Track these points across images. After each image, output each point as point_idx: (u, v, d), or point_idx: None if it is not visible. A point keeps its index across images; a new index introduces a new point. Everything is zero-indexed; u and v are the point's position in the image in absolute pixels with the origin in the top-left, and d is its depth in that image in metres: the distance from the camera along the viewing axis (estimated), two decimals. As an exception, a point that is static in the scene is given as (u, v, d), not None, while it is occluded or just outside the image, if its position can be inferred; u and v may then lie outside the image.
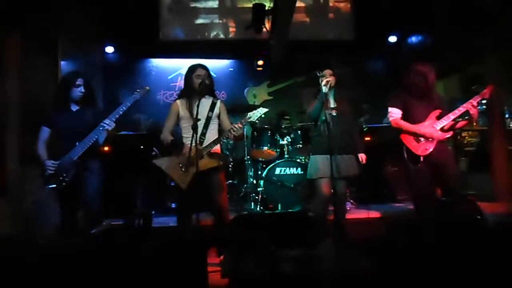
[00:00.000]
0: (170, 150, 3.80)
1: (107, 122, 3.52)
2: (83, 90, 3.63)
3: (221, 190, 3.75)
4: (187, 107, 3.74)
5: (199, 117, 3.46)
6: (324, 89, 3.67)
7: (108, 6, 5.88)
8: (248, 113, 3.71)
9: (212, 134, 3.75)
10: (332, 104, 3.86)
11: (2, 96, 4.26)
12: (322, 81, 3.69)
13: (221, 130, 3.86)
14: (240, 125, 3.61)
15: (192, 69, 3.81)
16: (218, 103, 3.83)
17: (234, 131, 3.59)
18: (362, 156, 3.96)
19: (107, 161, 3.86)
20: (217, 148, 3.72)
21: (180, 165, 3.60)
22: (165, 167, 3.66)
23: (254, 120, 3.76)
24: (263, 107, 3.77)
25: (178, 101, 3.82)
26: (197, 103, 3.48)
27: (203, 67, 3.81)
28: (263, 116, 3.79)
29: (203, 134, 3.66)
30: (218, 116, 3.83)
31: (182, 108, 3.77)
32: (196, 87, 3.69)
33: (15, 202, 4.16)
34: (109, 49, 6.69)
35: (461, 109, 3.78)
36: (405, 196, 5.59)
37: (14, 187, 4.20)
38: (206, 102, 3.75)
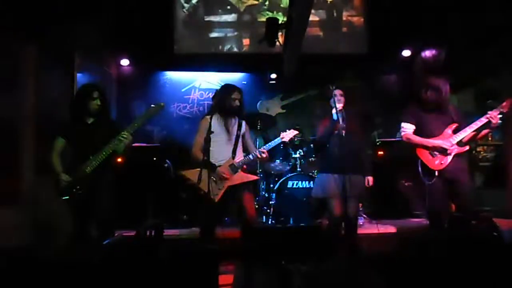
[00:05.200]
0: (199, 165, 3.78)
1: (125, 135, 3.55)
2: (99, 102, 3.67)
3: (252, 202, 3.93)
4: (223, 124, 3.83)
5: (230, 134, 3.78)
6: (335, 116, 3.68)
7: (123, 20, 5.97)
8: (282, 133, 3.95)
9: (240, 151, 3.91)
10: (341, 122, 3.83)
11: (19, 107, 4.33)
12: (335, 103, 3.71)
13: (245, 148, 4.01)
14: (265, 154, 3.82)
15: (230, 90, 3.91)
16: (243, 123, 3.96)
17: (262, 154, 3.80)
18: (369, 179, 3.92)
19: (119, 172, 3.88)
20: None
21: (213, 178, 3.66)
22: (196, 180, 3.65)
23: (286, 141, 3.96)
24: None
25: (208, 117, 3.88)
26: (231, 121, 3.82)
27: (240, 91, 3.92)
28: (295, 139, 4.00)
29: (234, 151, 3.83)
30: (243, 135, 3.96)
31: (215, 124, 3.82)
32: (232, 108, 3.84)
33: (29, 211, 4.20)
34: (124, 62, 6.77)
35: (478, 123, 3.74)
36: (420, 211, 5.52)
37: (28, 197, 4.25)
38: (234, 121, 3.92)
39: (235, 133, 3.85)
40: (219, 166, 3.73)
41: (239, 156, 3.86)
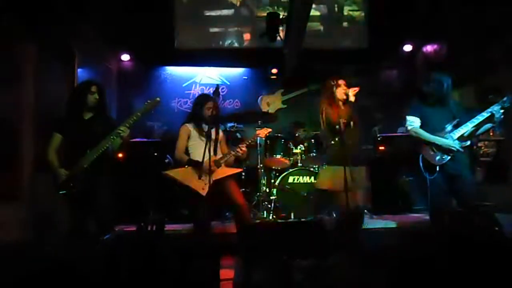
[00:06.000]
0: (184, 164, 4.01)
1: (122, 129, 3.56)
2: (97, 97, 3.69)
3: (239, 191, 4.10)
4: (201, 130, 4.07)
5: (209, 139, 3.85)
6: (352, 97, 3.72)
7: (124, 15, 5.96)
8: (257, 130, 4.35)
9: (219, 150, 4.13)
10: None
11: (19, 104, 4.33)
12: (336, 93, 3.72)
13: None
14: (244, 148, 4.09)
15: (203, 101, 4.15)
16: (220, 131, 4.22)
17: (242, 148, 4.06)
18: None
19: (120, 167, 3.89)
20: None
21: (198, 174, 3.78)
22: (181, 178, 3.87)
23: (262, 138, 4.29)
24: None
25: (187, 125, 4.16)
26: (208, 128, 3.90)
27: (215, 101, 4.09)
28: (268, 134, 4.36)
29: (215, 150, 4.00)
30: (220, 141, 4.20)
31: (194, 131, 4.11)
32: (207, 117, 4.05)
33: (29, 207, 4.20)
34: (125, 57, 6.77)
35: (479, 118, 3.74)
36: (421, 206, 5.52)
37: (28, 193, 4.25)
38: (211, 127, 4.06)
39: (213, 138, 4.00)
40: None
41: (220, 154, 4.08)
